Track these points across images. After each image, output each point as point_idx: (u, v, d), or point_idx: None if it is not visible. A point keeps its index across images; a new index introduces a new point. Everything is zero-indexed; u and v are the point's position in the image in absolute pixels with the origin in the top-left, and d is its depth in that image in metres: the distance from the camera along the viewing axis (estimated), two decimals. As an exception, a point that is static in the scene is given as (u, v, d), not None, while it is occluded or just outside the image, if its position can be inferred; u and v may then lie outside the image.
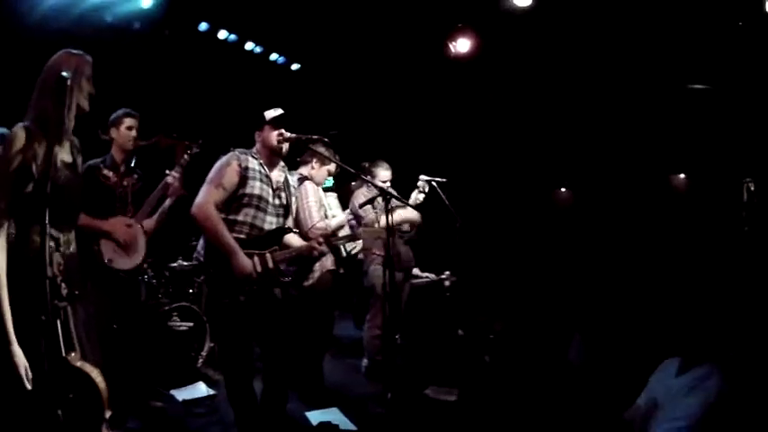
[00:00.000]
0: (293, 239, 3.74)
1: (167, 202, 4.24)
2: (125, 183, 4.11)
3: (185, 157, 4.31)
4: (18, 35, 5.05)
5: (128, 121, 4.12)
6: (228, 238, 3.24)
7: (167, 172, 4.23)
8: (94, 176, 3.98)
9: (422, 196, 5.06)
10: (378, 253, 5.10)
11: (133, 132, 4.14)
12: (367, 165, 5.24)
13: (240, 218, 3.34)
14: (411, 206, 4.83)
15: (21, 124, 2.36)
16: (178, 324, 5.04)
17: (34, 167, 2.29)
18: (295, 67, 7.88)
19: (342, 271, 4.87)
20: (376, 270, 5.11)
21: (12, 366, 2.12)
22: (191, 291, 5.61)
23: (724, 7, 5.41)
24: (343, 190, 5.62)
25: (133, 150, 4.24)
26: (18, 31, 5.07)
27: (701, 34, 5.84)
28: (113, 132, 4.12)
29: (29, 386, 2.12)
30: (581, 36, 6.22)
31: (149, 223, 4.21)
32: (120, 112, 4.15)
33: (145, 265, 4.71)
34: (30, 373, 2.14)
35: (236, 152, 3.41)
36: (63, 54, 2.47)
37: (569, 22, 5.99)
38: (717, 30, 5.69)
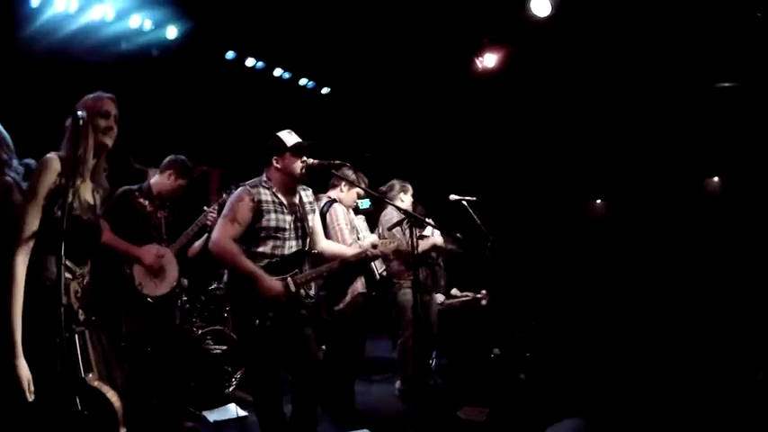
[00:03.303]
0: (335, 249, 3.81)
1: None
2: (159, 215, 4.23)
3: (224, 195, 4.41)
4: (34, 62, 5.24)
5: (181, 181, 4.27)
6: (250, 265, 3.26)
7: (205, 209, 4.36)
8: (129, 202, 4.09)
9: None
10: (406, 278, 5.17)
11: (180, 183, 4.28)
12: (384, 189, 5.26)
13: (260, 249, 3.36)
14: (434, 226, 4.82)
15: (54, 153, 2.42)
16: (212, 347, 5.11)
17: (59, 199, 2.34)
18: (325, 90, 7.97)
19: (374, 294, 4.85)
20: (405, 294, 5.18)
21: (15, 379, 2.17)
22: (225, 315, 5.68)
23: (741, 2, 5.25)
24: (380, 212, 5.65)
25: None
26: (34, 59, 5.25)
27: (723, 30, 5.67)
28: (163, 176, 4.25)
29: (30, 398, 2.17)
30: (604, 42, 6.13)
31: (195, 248, 4.43)
32: (178, 163, 4.27)
33: (177, 290, 4.81)
34: (32, 387, 2.18)
35: (248, 186, 3.41)
36: (84, 99, 2.54)
37: (591, 27, 5.91)
38: (738, 24, 5.52)
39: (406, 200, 5.23)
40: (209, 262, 5.34)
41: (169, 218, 4.30)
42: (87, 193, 2.52)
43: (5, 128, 2.69)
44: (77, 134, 2.39)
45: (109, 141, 2.54)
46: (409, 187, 5.30)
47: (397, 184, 5.30)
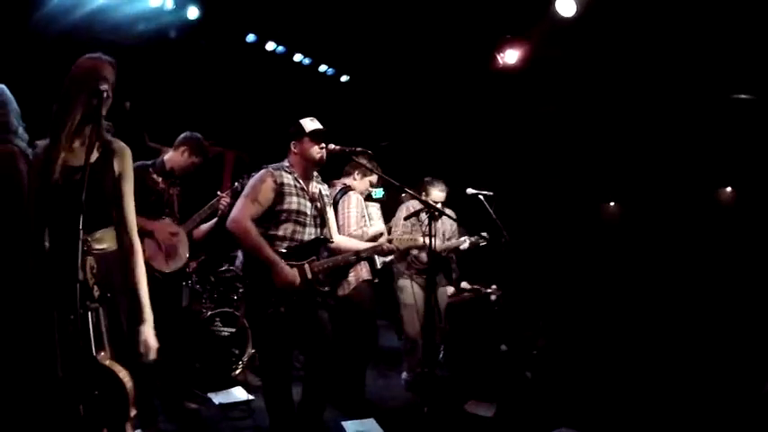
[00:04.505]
0: (350, 243, 3.81)
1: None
2: (171, 191, 4.22)
3: (237, 184, 4.40)
4: (50, 42, 5.18)
5: (194, 158, 4.22)
6: (268, 250, 3.25)
7: (219, 193, 4.34)
8: (142, 177, 4.06)
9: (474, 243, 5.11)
10: (405, 269, 5.14)
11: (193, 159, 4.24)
12: (429, 179, 5.18)
13: (280, 233, 3.35)
14: (453, 218, 4.79)
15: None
16: (220, 329, 5.12)
17: (51, 177, 2.35)
18: (344, 78, 7.94)
19: (376, 281, 4.80)
20: (404, 283, 5.14)
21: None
22: (234, 297, 5.70)
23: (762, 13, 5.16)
24: (393, 201, 5.61)
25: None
26: (50, 39, 5.20)
27: (741, 42, 5.60)
28: (177, 153, 4.20)
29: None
30: (623, 47, 6.06)
31: (200, 231, 4.40)
32: (192, 140, 4.22)
33: (188, 270, 4.81)
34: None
35: (271, 168, 3.41)
36: (83, 58, 2.46)
37: (615, 32, 5.84)
38: (756, 36, 5.44)
39: (438, 197, 5.10)
40: (221, 244, 5.38)
41: (180, 197, 4.29)
42: (74, 157, 2.42)
43: (20, 107, 2.68)
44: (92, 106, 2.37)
45: (104, 109, 2.43)
46: (439, 192, 5.13)
47: (434, 181, 5.14)
